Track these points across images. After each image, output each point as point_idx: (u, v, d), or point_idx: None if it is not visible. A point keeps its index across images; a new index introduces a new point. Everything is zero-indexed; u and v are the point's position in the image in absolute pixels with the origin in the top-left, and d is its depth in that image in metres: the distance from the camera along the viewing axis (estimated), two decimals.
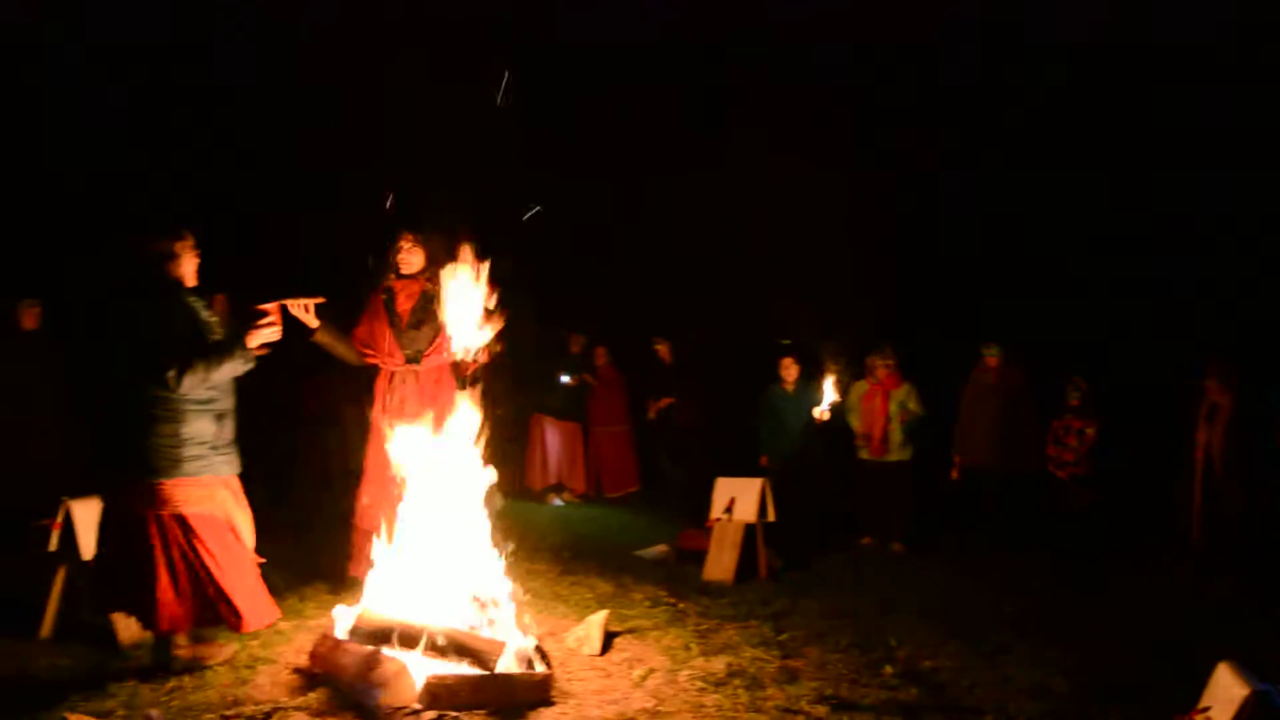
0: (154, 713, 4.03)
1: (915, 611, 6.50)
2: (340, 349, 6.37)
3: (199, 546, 4.95)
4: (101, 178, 11.73)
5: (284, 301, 5.37)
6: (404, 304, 6.63)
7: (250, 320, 5.09)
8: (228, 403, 5.16)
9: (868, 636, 5.84)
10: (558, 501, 11.40)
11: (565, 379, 11.54)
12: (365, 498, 6.63)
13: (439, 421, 6.25)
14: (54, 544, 5.79)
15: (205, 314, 5.15)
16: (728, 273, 14.29)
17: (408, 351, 6.58)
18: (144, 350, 4.91)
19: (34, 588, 5.94)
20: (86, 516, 5.75)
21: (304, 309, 5.80)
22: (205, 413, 5.01)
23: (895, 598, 6.88)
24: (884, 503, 9.21)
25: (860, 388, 9.54)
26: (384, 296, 6.66)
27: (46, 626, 5.70)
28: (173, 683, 4.82)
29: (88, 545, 5.70)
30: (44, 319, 8.67)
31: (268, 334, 5.09)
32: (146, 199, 11.26)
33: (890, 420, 9.23)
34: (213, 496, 5.01)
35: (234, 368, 4.99)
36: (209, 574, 4.96)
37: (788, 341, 11.42)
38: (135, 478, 4.93)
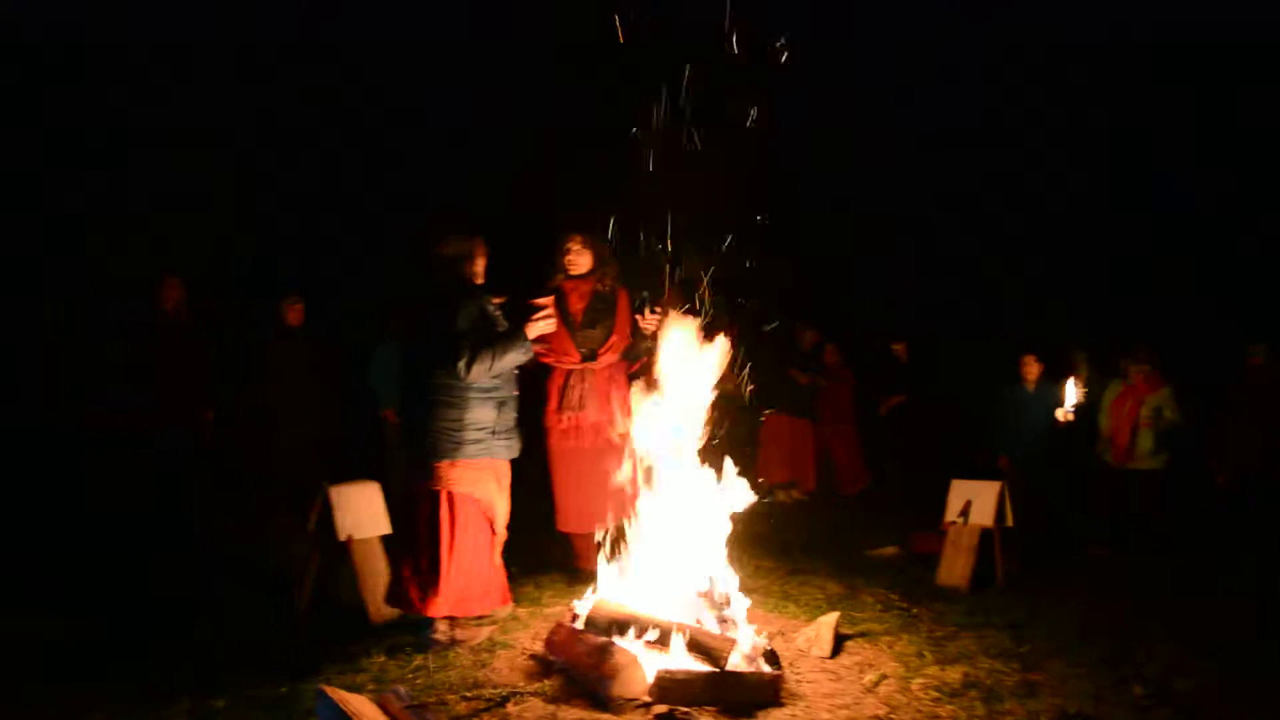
0: (400, 689, 4.22)
1: (1166, 626, 6.06)
2: None
3: (451, 525, 5.34)
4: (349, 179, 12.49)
5: (553, 299, 5.70)
6: (576, 304, 6.77)
7: (527, 313, 5.50)
8: (508, 391, 5.56)
9: (1114, 651, 5.50)
10: (787, 498, 11.31)
11: (798, 375, 11.45)
12: (558, 500, 6.86)
13: (615, 418, 6.62)
14: (312, 525, 6.19)
15: (492, 310, 5.51)
16: (966, 269, 13.89)
17: (583, 350, 6.72)
18: (436, 342, 5.34)
19: (295, 566, 6.37)
20: (343, 500, 6.12)
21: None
22: (487, 400, 5.42)
23: (1144, 611, 6.45)
24: (1130, 511, 8.72)
25: (1114, 389, 9.05)
26: (554, 297, 6.75)
27: (303, 602, 6.08)
28: (418, 661, 5.10)
29: (343, 527, 6.06)
30: (307, 315, 9.26)
31: (544, 325, 5.52)
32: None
33: (1140, 425, 8.73)
34: (480, 480, 5.42)
35: (515, 357, 5.38)
36: (450, 553, 5.33)
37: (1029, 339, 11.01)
38: (422, 459, 5.38)
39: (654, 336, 6.53)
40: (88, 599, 6.44)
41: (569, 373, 6.73)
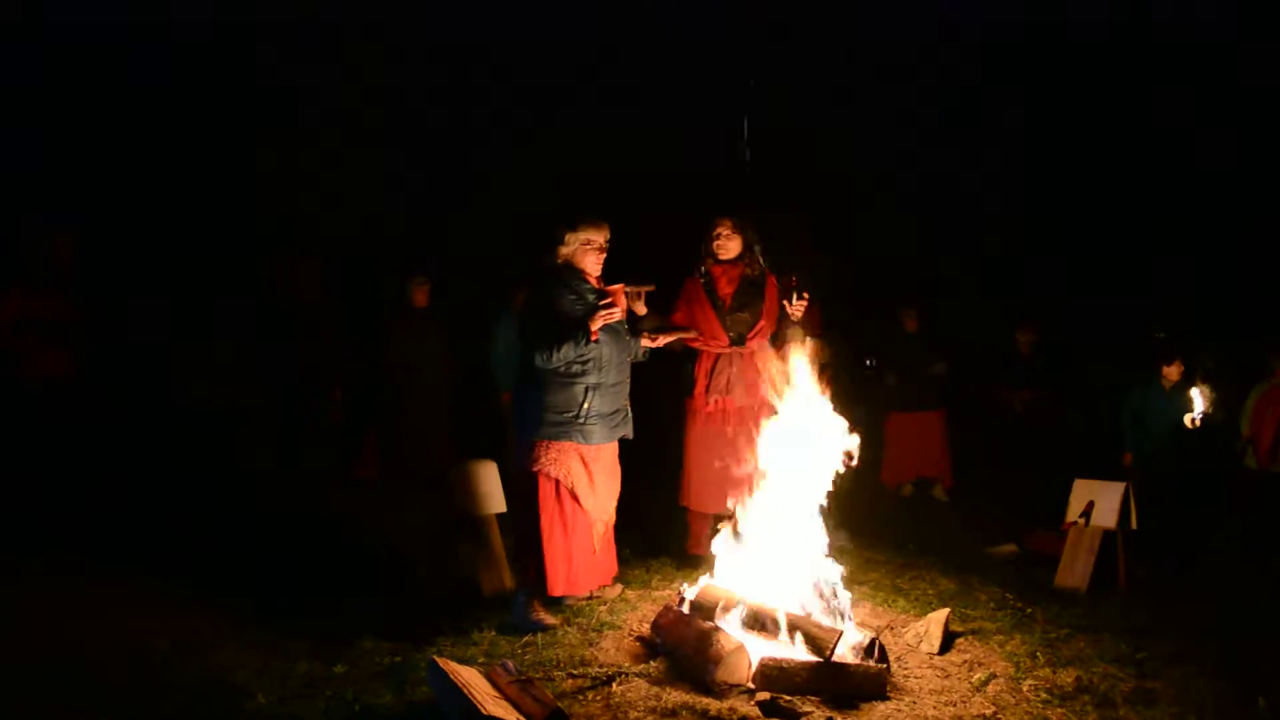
0: (509, 664, 4.33)
1: None
2: (669, 336, 6.40)
3: (540, 504, 5.54)
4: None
5: (622, 287, 5.73)
6: (725, 288, 6.80)
7: (598, 303, 5.54)
8: (600, 378, 5.61)
9: (1239, 662, 5.28)
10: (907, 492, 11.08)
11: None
12: (692, 480, 6.86)
13: (765, 401, 6.50)
14: (436, 502, 6.40)
15: (591, 299, 5.59)
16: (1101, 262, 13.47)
17: (731, 334, 6.75)
18: (528, 326, 5.55)
19: (415, 541, 6.55)
20: (462, 478, 6.30)
21: (637, 296, 5.99)
22: (570, 385, 5.54)
23: (1274, 622, 6.20)
24: (1266, 517, 8.37)
25: (1260, 389, 8.69)
26: (703, 281, 6.84)
27: (422, 578, 6.29)
28: (527, 637, 5.22)
29: (461, 504, 6.24)
30: (433, 297, 9.46)
31: (609, 314, 5.52)
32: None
33: None
34: (562, 461, 5.54)
35: (571, 349, 5.43)
36: (541, 530, 5.53)
37: (1163, 334, 10.65)
38: (519, 437, 5.59)
39: (801, 322, 6.56)
40: (210, 565, 6.76)
41: (718, 356, 6.78)
